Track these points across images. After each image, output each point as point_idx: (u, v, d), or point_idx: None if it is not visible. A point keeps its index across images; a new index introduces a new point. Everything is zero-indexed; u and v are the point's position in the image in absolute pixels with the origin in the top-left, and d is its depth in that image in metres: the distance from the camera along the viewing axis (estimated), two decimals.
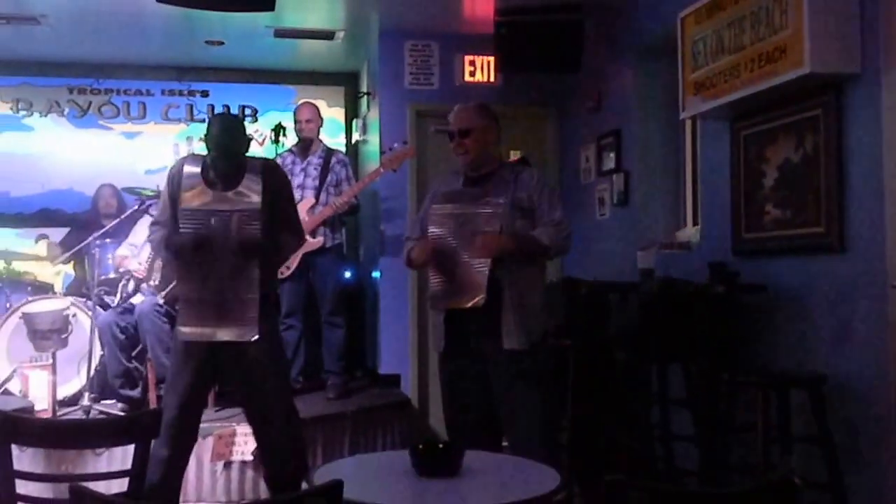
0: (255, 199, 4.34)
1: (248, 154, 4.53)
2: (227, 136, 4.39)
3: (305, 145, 6.86)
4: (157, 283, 6.21)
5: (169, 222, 4.44)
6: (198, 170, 4.41)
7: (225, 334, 4.32)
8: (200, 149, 7.30)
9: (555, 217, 4.22)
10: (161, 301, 6.06)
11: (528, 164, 4.52)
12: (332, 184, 6.75)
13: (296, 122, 6.92)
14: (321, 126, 7.02)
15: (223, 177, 4.38)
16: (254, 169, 4.43)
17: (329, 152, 6.90)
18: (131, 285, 6.47)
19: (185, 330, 4.36)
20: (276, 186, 4.49)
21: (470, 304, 4.14)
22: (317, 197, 6.65)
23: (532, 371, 4.17)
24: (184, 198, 4.35)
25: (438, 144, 7.38)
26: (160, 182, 6.31)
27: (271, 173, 4.52)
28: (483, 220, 4.19)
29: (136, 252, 6.50)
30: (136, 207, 6.61)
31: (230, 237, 4.31)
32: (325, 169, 6.75)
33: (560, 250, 4.31)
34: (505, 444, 4.41)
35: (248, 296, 4.33)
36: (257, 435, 4.64)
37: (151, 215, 6.33)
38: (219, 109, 8.71)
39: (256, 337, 4.32)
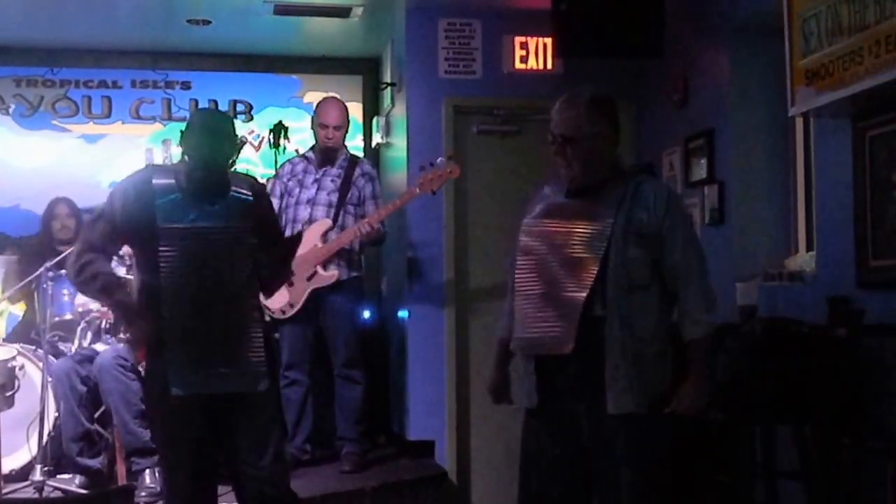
0: (245, 217, 4.50)
1: (235, 165, 4.70)
2: (212, 142, 4.51)
3: (328, 156, 6.95)
4: (127, 335, 6.02)
5: (105, 247, 4.59)
6: (172, 181, 4.51)
7: (226, 383, 4.42)
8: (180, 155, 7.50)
9: (689, 262, 4.07)
10: (140, 368, 5.96)
11: (653, 174, 4.42)
12: (353, 202, 6.85)
13: (319, 126, 6.96)
14: (348, 131, 7.12)
15: (204, 188, 4.50)
16: (241, 184, 4.60)
17: (352, 162, 6.99)
18: (89, 336, 6.54)
19: (175, 381, 4.42)
20: (263, 213, 4.69)
21: (550, 352, 4.09)
22: (335, 218, 6.75)
23: (647, 444, 4.07)
24: (160, 215, 4.42)
25: (482, 149, 7.53)
26: None
27: (259, 197, 4.70)
28: (581, 243, 4.07)
29: None
30: None
31: (224, 258, 4.45)
32: (345, 182, 6.84)
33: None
34: None
35: (252, 331, 4.47)
36: None
37: None
38: (203, 104, 8.82)
39: (266, 387, 4.45)
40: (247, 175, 4.88)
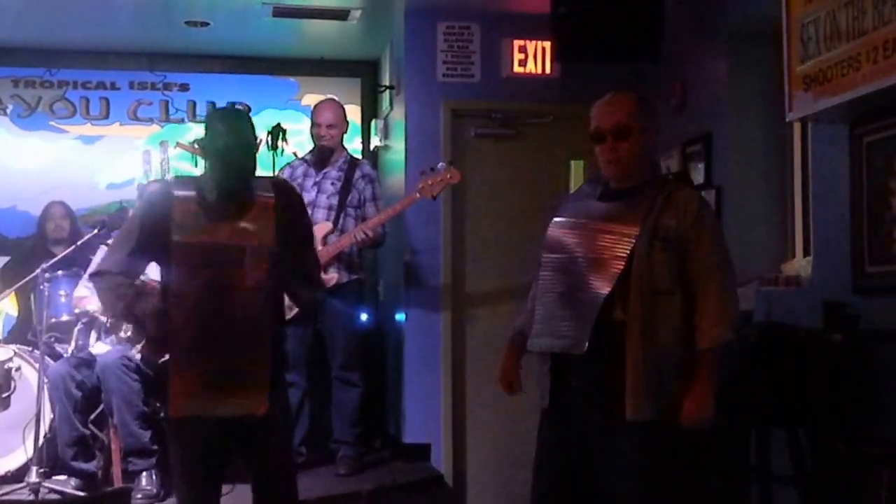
0: (270, 228, 4.25)
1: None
2: (237, 141, 4.31)
3: (324, 155, 6.99)
4: (128, 333, 5.98)
5: (127, 266, 4.37)
6: (193, 193, 4.28)
7: (228, 408, 4.24)
8: (178, 156, 7.51)
9: (711, 270, 4.02)
10: (136, 355, 5.97)
11: (689, 183, 4.40)
12: (353, 204, 6.87)
13: (314, 125, 7.02)
14: (346, 132, 7.15)
15: (228, 199, 4.28)
16: (264, 188, 4.36)
17: (352, 164, 7.02)
18: (93, 336, 6.52)
19: (180, 402, 4.25)
20: (291, 216, 4.43)
21: (564, 351, 4.04)
22: (335, 221, 6.78)
23: (660, 452, 4.02)
24: (175, 230, 4.20)
25: (480, 152, 7.54)
26: (126, 199, 6.36)
27: (286, 197, 4.46)
28: (608, 245, 4.03)
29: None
30: (94, 231, 6.61)
31: (239, 277, 4.21)
32: (345, 185, 6.86)
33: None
34: None
35: (260, 357, 4.28)
36: None
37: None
38: (201, 106, 8.83)
39: (266, 410, 4.28)
40: (272, 177, 4.67)
